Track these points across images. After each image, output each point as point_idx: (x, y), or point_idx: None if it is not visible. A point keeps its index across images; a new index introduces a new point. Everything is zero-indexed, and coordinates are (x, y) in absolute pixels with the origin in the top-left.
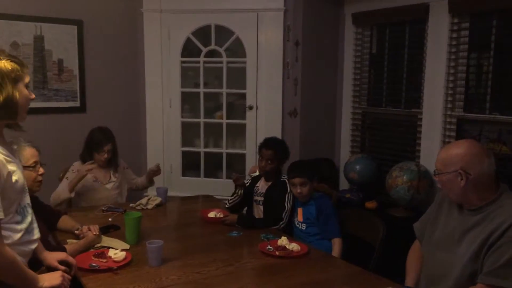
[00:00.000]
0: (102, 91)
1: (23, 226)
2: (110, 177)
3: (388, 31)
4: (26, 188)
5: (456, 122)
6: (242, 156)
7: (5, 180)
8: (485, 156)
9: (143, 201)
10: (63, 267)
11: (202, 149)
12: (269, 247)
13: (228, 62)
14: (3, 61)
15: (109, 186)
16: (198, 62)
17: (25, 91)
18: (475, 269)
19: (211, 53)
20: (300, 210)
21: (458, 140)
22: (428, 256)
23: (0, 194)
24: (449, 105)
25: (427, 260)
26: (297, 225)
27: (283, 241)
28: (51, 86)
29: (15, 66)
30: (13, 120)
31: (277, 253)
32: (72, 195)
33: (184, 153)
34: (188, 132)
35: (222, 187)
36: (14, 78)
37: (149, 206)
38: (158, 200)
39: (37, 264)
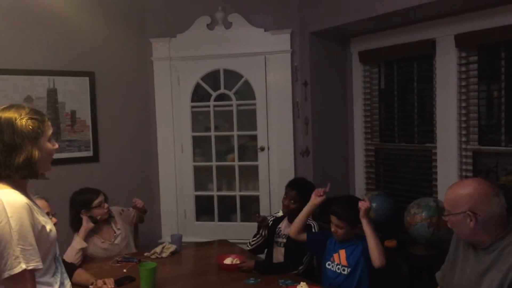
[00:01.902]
0: (115, 140)
1: (58, 278)
2: (115, 231)
3: (396, 67)
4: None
5: (472, 156)
6: (256, 198)
7: (40, 231)
8: (493, 196)
9: (158, 249)
10: None
11: (215, 193)
12: None
13: (237, 105)
14: (23, 119)
15: (117, 240)
16: (208, 106)
17: (47, 146)
18: None
19: (221, 97)
20: (342, 253)
21: (465, 179)
22: None
23: (37, 243)
24: (464, 139)
25: None
26: (337, 270)
27: (302, 287)
28: (64, 137)
29: (36, 124)
30: (34, 177)
31: None
32: (85, 244)
33: (197, 198)
34: (201, 176)
35: (237, 231)
36: (34, 137)
37: (164, 255)
38: (173, 247)
39: None
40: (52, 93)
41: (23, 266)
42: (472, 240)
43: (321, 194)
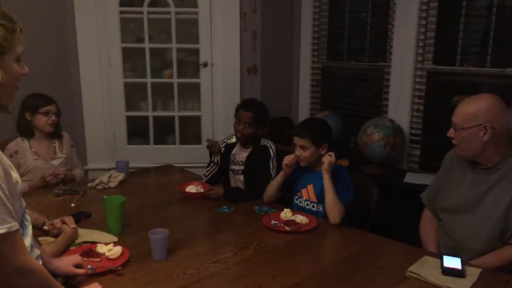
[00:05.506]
0: (26, 49)
1: (28, 240)
2: (55, 152)
3: None
4: None
5: (426, 75)
6: (197, 118)
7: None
8: (507, 109)
9: (104, 178)
10: (83, 270)
11: (150, 113)
12: (274, 221)
13: (176, 13)
14: None
15: (55, 162)
16: (141, 12)
17: (13, 67)
18: (505, 228)
19: (156, 2)
20: (310, 188)
21: (477, 95)
22: (447, 223)
23: (9, 199)
24: (419, 58)
25: (447, 228)
26: (306, 206)
27: (286, 214)
28: None
29: (2, 32)
30: None
31: (287, 228)
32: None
33: (129, 118)
34: (133, 95)
35: (175, 154)
36: None
37: (112, 184)
38: (121, 176)
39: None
40: None
41: None
42: (478, 157)
43: (292, 162)
